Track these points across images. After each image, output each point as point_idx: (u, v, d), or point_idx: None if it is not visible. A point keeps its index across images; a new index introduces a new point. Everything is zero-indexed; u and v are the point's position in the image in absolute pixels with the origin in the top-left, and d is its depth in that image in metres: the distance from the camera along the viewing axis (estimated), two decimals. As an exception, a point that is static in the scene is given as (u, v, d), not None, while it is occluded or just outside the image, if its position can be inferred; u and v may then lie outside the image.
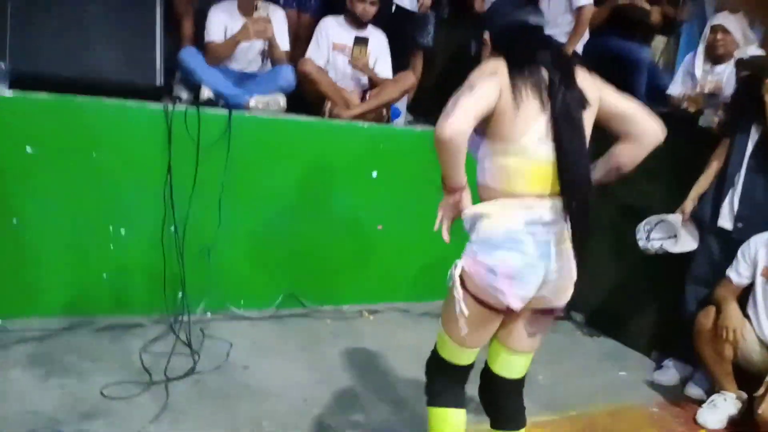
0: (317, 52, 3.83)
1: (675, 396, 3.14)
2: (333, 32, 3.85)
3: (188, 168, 3.21)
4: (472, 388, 2.00)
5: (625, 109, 1.75)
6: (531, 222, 1.68)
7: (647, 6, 4.30)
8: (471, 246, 1.74)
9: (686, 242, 3.09)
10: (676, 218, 3.13)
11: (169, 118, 3.16)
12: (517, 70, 1.65)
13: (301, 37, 4.09)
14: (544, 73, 1.67)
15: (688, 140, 3.33)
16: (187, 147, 3.20)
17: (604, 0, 4.35)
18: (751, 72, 2.93)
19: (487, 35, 1.82)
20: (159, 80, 3.23)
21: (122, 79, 3.15)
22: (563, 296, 1.78)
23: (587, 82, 1.73)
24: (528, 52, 1.69)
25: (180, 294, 3.27)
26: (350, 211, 3.67)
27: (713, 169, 3.09)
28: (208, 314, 3.39)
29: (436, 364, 1.93)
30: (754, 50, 3.39)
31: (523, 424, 1.99)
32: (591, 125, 1.74)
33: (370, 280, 3.80)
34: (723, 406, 2.84)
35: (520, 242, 1.67)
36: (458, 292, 1.74)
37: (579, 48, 4.25)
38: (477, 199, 1.78)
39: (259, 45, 3.71)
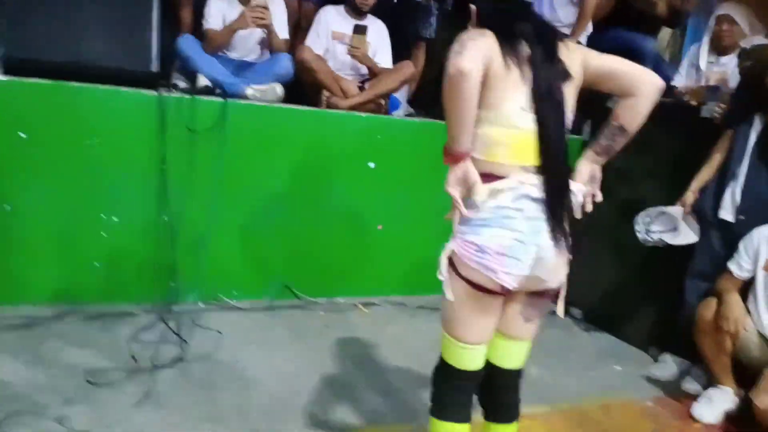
0: (316, 41, 3.80)
1: (671, 391, 3.07)
2: (332, 21, 3.82)
3: (182, 156, 3.20)
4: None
5: (614, 65, 1.72)
6: (519, 198, 1.64)
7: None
8: (459, 227, 1.70)
9: (686, 235, 3.02)
10: (676, 210, 3.06)
11: (163, 106, 3.14)
12: (500, 39, 1.63)
13: (302, 27, 4.06)
14: (525, 46, 1.65)
15: (691, 132, 3.27)
16: (182, 135, 3.19)
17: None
18: (754, 62, 2.86)
19: (473, 7, 1.78)
20: (154, 67, 3.20)
21: (117, 65, 3.12)
22: (558, 276, 1.72)
23: (570, 54, 1.70)
24: (509, 24, 1.67)
25: (172, 283, 3.26)
26: (346, 202, 3.63)
27: (715, 161, 3.02)
28: (200, 304, 3.36)
29: (442, 372, 1.85)
30: (760, 41, 3.31)
31: (516, 417, 1.95)
32: (574, 97, 1.71)
33: (366, 272, 3.76)
34: (719, 401, 2.78)
35: (509, 219, 1.63)
36: (445, 275, 1.69)
37: (583, 40, 4.20)
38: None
39: (258, 34, 3.68)
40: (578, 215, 1.73)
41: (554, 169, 1.65)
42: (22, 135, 2.95)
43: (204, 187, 3.25)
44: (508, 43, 1.64)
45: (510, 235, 1.62)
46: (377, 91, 3.75)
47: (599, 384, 3.08)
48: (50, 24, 2.99)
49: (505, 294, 1.70)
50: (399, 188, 3.69)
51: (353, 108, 3.64)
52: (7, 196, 2.98)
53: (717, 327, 2.73)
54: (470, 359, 1.79)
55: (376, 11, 3.90)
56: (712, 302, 2.78)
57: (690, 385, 3.05)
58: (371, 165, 3.62)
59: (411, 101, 4.30)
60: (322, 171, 3.55)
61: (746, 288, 2.78)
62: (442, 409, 1.84)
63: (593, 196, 1.76)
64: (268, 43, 3.68)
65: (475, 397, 1.90)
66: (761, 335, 2.71)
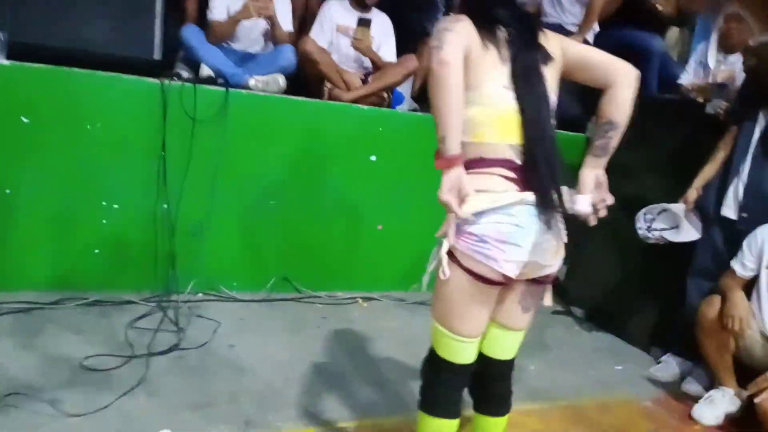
0: (320, 34, 3.78)
1: (672, 391, 3.04)
2: (337, 14, 3.81)
3: (183, 145, 3.19)
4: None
5: (588, 54, 1.76)
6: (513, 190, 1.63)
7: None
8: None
9: (688, 232, 2.98)
10: (679, 207, 3.02)
11: (165, 94, 3.14)
12: (478, 22, 1.65)
13: (309, 20, 4.04)
14: (503, 30, 1.67)
15: (695, 128, 3.24)
16: (183, 123, 3.19)
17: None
18: (759, 58, 2.82)
19: None
20: (157, 55, 3.20)
21: (120, 52, 3.14)
22: (556, 259, 1.70)
23: (549, 41, 1.73)
24: (487, 9, 1.69)
25: (171, 272, 3.25)
26: (348, 195, 3.61)
27: (719, 158, 2.99)
28: (200, 294, 3.35)
29: (434, 366, 1.80)
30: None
31: (508, 410, 1.92)
32: (556, 81, 1.72)
33: (366, 267, 3.75)
34: (720, 402, 2.73)
35: (506, 206, 1.61)
36: (445, 258, 1.64)
37: (590, 38, 4.17)
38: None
39: (262, 25, 3.68)
40: (592, 222, 1.71)
41: (539, 146, 1.64)
42: (25, 120, 2.95)
43: (204, 176, 3.25)
44: (485, 25, 1.66)
45: (508, 220, 1.61)
46: (380, 84, 3.73)
47: (598, 382, 3.05)
48: (54, 10, 3.00)
49: (506, 283, 1.68)
50: (400, 182, 3.67)
51: (356, 101, 3.63)
52: (7, 180, 2.98)
53: (720, 326, 2.69)
54: (464, 353, 1.76)
55: (382, 5, 3.88)
56: (716, 300, 2.74)
57: (691, 386, 3.01)
58: (372, 158, 3.60)
59: (415, 97, 4.28)
60: (323, 163, 3.53)
61: (749, 287, 2.74)
62: (431, 404, 1.81)
63: (604, 201, 1.73)
64: (271, 35, 3.67)
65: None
66: (764, 335, 2.67)
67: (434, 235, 1.68)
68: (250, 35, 3.70)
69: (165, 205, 3.21)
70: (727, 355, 2.74)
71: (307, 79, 3.71)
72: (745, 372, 2.74)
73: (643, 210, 3.12)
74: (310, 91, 3.67)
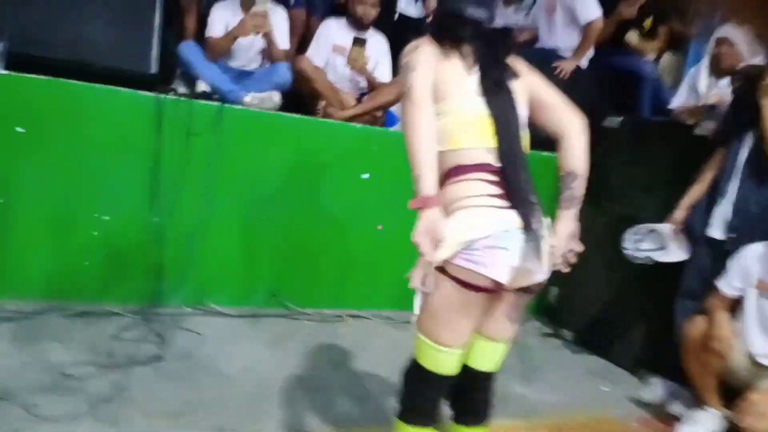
0: (317, 53, 3.84)
1: (658, 413, 2.98)
2: (333, 34, 3.87)
3: (177, 159, 3.22)
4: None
5: (547, 95, 1.80)
6: (495, 194, 1.64)
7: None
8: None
9: (675, 253, 2.97)
10: (666, 228, 3.01)
11: (161, 107, 3.17)
12: (445, 41, 1.73)
13: (308, 39, 4.10)
14: (470, 46, 1.73)
15: (685, 150, 3.25)
16: (177, 138, 3.21)
17: (609, 15, 4.30)
18: (745, 80, 2.85)
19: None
20: (154, 68, 3.25)
21: (117, 65, 3.19)
22: (545, 265, 1.68)
23: (517, 65, 1.79)
24: (452, 29, 1.75)
25: (159, 285, 3.25)
26: (339, 213, 3.62)
27: (707, 179, 2.99)
28: (188, 309, 3.33)
29: (416, 376, 1.78)
30: (758, 63, 3.30)
31: (487, 421, 1.90)
32: (525, 97, 1.77)
33: (354, 285, 3.73)
34: (704, 423, 2.69)
35: (490, 212, 1.62)
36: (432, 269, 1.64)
37: (584, 63, 4.21)
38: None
39: (259, 44, 3.74)
40: (565, 269, 1.73)
41: (512, 150, 1.67)
42: (20, 129, 2.98)
43: (197, 190, 3.26)
44: (451, 43, 1.72)
45: (495, 225, 1.61)
46: (374, 103, 3.77)
47: (584, 402, 3.01)
48: (52, 21, 3.05)
49: (495, 291, 1.66)
50: (391, 201, 3.66)
51: (349, 119, 3.66)
52: (2, 189, 3.00)
53: (704, 346, 2.66)
54: (449, 363, 1.74)
55: (379, 26, 3.94)
56: (700, 321, 2.72)
57: (677, 408, 2.95)
58: (365, 176, 3.62)
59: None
60: (316, 180, 3.55)
61: (735, 308, 2.71)
62: (411, 414, 1.79)
63: (572, 251, 1.75)
64: (268, 53, 3.72)
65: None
66: (749, 356, 2.63)
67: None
68: (248, 53, 3.76)
69: (156, 219, 3.22)
70: (710, 376, 2.70)
71: (302, 96, 3.76)
72: (731, 392, 2.70)
73: (631, 230, 3.12)
74: (305, 109, 3.71)
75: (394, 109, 4.06)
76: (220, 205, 3.34)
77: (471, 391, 1.86)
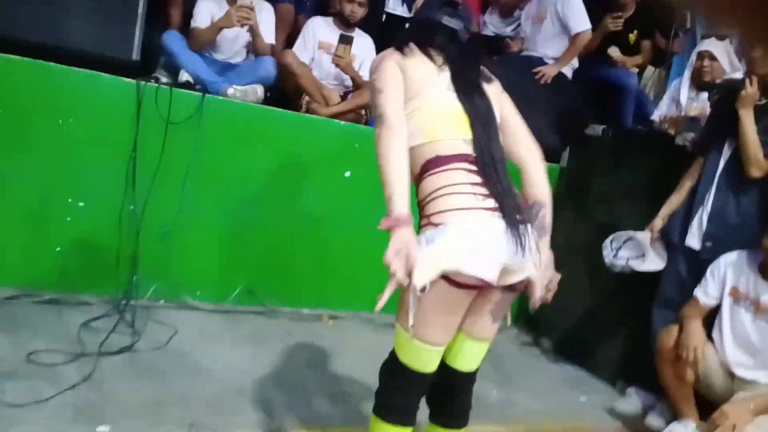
0: (303, 50, 3.81)
1: (634, 425, 2.98)
2: (320, 31, 3.85)
3: (155, 147, 3.15)
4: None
5: (511, 121, 1.82)
6: (476, 183, 1.63)
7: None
8: (422, 237, 1.61)
9: (653, 261, 2.98)
10: (644, 236, 3.03)
11: (141, 94, 3.12)
12: (415, 43, 1.75)
13: (296, 36, 4.06)
14: (440, 51, 1.76)
15: (666, 159, 3.28)
16: (157, 126, 3.15)
17: (595, 28, 4.35)
18: (724, 91, 2.89)
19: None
20: (136, 56, 3.19)
21: (99, 51, 3.10)
22: (532, 260, 1.65)
23: (492, 83, 1.82)
24: (427, 35, 1.78)
25: (134, 277, 3.18)
26: (320, 210, 3.58)
27: (685, 188, 3.01)
28: (162, 301, 3.27)
29: (396, 373, 1.73)
30: (739, 77, 3.34)
31: (466, 423, 1.87)
32: (497, 106, 1.78)
33: (334, 284, 3.69)
34: (680, 435, 2.69)
35: (470, 210, 1.60)
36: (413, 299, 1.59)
37: (569, 73, 4.23)
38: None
39: (244, 37, 3.70)
40: (548, 299, 1.73)
41: (487, 139, 1.68)
42: (-5, 111, 2.92)
43: (174, 180, 3.20)
44: (423, 47, 1.75)
45: (476, 221, 1.60)
46: (359, 101, 3.74)
47: (560, 411, 3.00)
48: (35, 5, 2.98)
49: (482, 287, 1.63)
50: (373, 200, 3.61)
51: (333, 116, 3.63)
52: (-26, 171, 2.93)
53: (678, 356, 2.66)
54: (430, 361, 1.71)
55: (367, 26, 3.93)
56: (674, 329, 2.72)
57: (654, 421, 2.95)
58: (347, 174, 3.59)
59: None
60: (298, 175, 3.51)
61: (712, 317, 2.73)
62: (387, 410, 1.75)
63: (551, 281, 1.74)
64: (253, 47, 3.69)
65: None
66: (724, 366, 2.64)
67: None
68: (233, 47, 3.72)
69: (131, 207, 3.16)
70: (686, 387, 2.70)
71: (286, 91, 3.72)
72: (708, 405, 2.70)
73: (610, 237, 3.13)
74: (289, 104, 3.67)
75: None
76: (198, 197, 3.28)
77: (451, 391, 1.83)
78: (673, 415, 2.85)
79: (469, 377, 1.83)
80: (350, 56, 3.70)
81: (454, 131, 1.68)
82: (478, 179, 1.63)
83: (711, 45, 3.44)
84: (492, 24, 4.90)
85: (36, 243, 3.08)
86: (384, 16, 4.19)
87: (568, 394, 3.25)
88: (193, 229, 3.32)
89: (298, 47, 3.81)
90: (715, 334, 2.69)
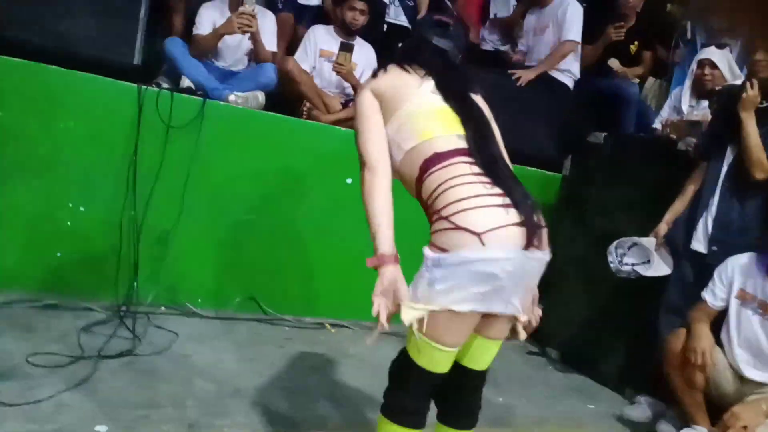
0: (304, 58, 3.82)
1: (644, 432, 2.94)
2: (321, 39, 3.86)
3: (156, 152, 3.14)
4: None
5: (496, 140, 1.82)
6: (479, 173, 1.61)
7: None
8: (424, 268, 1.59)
9: (660, 267, 2.95)
10: (649, 242, 3.00)
11: (141, 98, 3.11)
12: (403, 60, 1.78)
13: (297, 44, 4.08)
14: (425, 67, 1.78)
15: (668, 165, 3.26)
16: (157, 130, 3.15)
17: (597, 38, 4.37)
18: (726, 96, 2.89)
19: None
20: (137, 60, 3.19)
21: (100, 54, 3.10)
22: (545, 255, 1.63)
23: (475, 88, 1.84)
24: (417, 53, 1.81)
25: (133, 282, 3.14)
26: (322, 217, 3.55)
27: (689, 193, 3.00)
28: (162, 308, 3.23)
29: (409, 374, 1.68)
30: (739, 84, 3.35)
31: (475, 424, 1.82)
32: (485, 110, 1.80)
33: (336, 292, 3.63)
34: (692, 441, 2.63)
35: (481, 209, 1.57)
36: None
37: (570, 84, 4.24)
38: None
39: (246, 45, 3.71)
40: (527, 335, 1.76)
41: (480, 133, 1.68)
42: (-3, 113, 2.91)
43: (175, 185, 3.18)
44: (410, 64, 1.77)
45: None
46: (361, 109, 3.73)
47: (568, 418, 2.95)
48: (37, 6, 2.99)
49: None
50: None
51: (334, 123, 3.63)
52: (-26, 174, 2.91)
53: (686, 360, 2.62)
54: (445, 362, 1.67)
55: (369, 35, 3.94)
56: (682, 333, 2.69)
57: (664, 427, 2.88)
58: (348, 181, 3.56)
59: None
60: (299, 182, 3.49)
61: (720, 321, 2.69)
62: (397, 411, 1.70)
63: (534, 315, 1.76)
64: (254, 53, 3.69)
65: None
66: (733, 369, 2.60)
67: (409, 264, 1.63)
68: (235, 54, 3.73)
69: (132, 212, 3.13)
70: (696, 392, 2.65)
71: (287, 99, 3.72)
72: (718, 411, 2.64)
73: (615, 243, 3.10)
74: (290, 111, 3.66)
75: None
76: (199, 201, 3.26)
77: (463, 391, 1.79)
78: (684, 421, 2.80)
79: (480, 376, 1.79)
80: (351, 64, 3.70)
81: (446, 128, 1.68)
82: (480, 170, 1.62)
83: (711, 53, 3.45)
84: (491, 41, 4.94)
85: (36, 247, 3.06)
86: (385, 26, 4.19)
87: (576, 402, 3.20)
88: (193, 234, 3.29)
89: (299, 55, 3.82)
90: (723, 337, 2.66)
